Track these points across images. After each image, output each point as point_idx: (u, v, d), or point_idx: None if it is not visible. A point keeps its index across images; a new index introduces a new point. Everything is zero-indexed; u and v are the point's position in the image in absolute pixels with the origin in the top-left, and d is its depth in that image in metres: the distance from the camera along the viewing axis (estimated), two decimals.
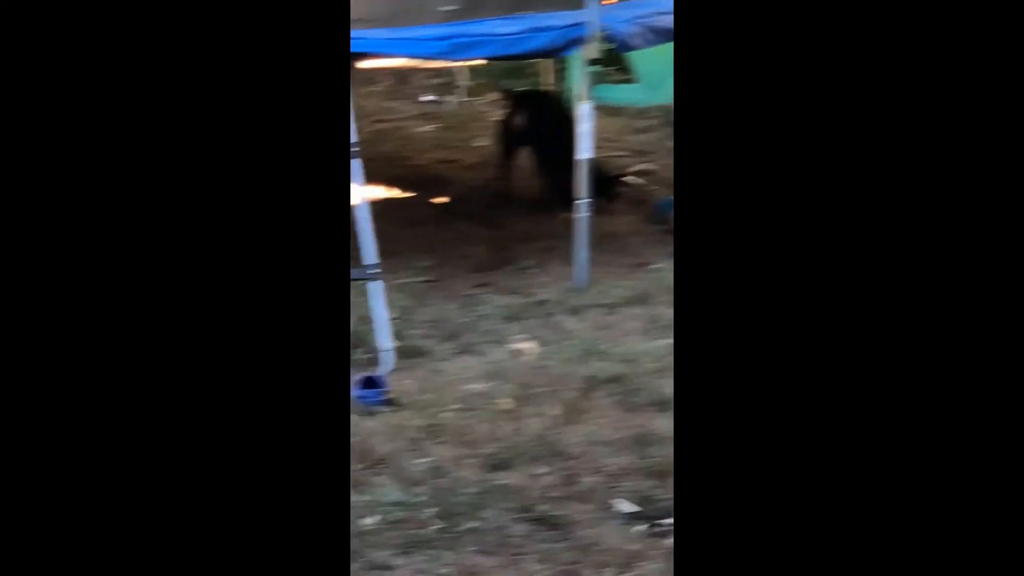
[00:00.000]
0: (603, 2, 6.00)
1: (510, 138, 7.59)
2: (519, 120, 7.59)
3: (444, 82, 9.94)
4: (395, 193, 7.59)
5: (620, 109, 9.28)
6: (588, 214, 5.97)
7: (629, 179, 7.82)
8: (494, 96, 9.35)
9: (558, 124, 7.10)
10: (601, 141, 6.62)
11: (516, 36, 5.77)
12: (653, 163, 8.15)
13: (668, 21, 6.14)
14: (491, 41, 5.78)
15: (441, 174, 8.01)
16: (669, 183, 7.46)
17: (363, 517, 3.73)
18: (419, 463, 4.13)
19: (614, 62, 9.66)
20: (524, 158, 7.48)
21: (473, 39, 5.74)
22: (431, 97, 9.76)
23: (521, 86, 9.51)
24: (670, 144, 8.51)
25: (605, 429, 4.39)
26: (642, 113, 9.28)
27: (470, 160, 8.26)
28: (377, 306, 5.12)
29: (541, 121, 7.45)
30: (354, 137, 5.45)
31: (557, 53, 6.09)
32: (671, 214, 7.04)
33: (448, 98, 9.60)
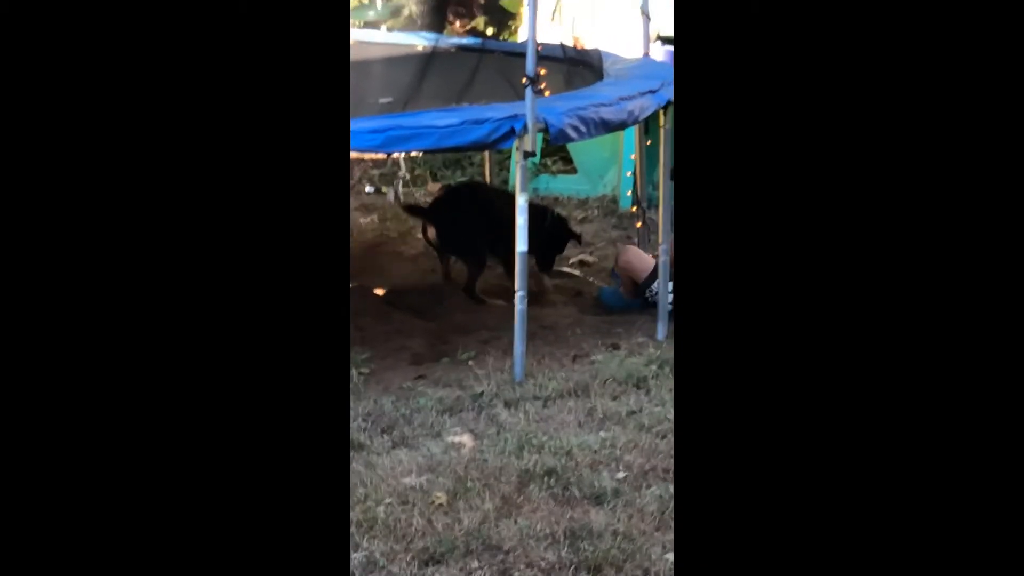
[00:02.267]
0: (541, 95, 6.03)
1: None
2: None
3: (385, 172, 9.96)
4: None
5: (560, 200, 9.33)
6: (525, 306, 5.95)
7: (568, 270, 7.84)
8: (433, 188, 9.39)
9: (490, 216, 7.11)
10: None
11: (452, 128, 5.78)
12: (593, 254, 8.17)
13: (605, 113, 6.18)
14: (427, 134, 5.78)
15: (380, 265, 8.00)
16: (608, 274, 7.48)
17: None
18: (352, 557, 4.08)
19: (555, 153, 9.74)
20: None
21: (409, 131, 5.74)
22: (371, 188, 9.77)
23: (460, 178, 9.55)
24: (610, 235, 8.55)
25: (539, 523, 4.36)
26: (582, 204, 9.32)
27: (409, 252, 8.25)
28: None
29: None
30: None
31: (494, 146, 6.08)
32: (612, 304, 7.06)
33: (388, 189, 9.61)
